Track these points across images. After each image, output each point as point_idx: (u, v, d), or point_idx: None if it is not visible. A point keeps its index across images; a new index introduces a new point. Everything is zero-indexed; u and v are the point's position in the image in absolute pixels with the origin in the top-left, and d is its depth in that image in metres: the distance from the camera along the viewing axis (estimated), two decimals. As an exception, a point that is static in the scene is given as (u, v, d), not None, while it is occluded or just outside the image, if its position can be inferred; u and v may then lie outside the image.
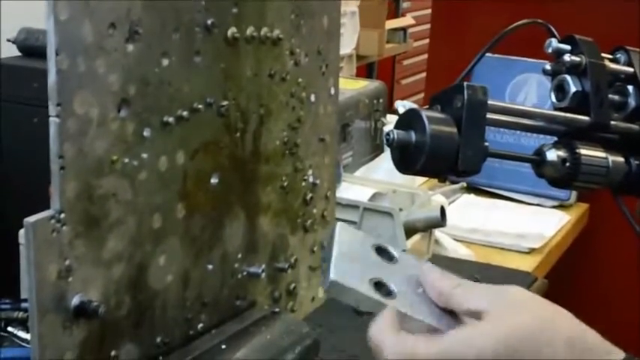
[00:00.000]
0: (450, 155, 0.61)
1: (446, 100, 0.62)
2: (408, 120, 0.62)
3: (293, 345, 0.72)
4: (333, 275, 0.56)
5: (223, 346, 0.68)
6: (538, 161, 0.67)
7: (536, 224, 1.50)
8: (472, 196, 1.64)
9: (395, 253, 0.60)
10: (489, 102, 0.63)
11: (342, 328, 1.03)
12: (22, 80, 0.91)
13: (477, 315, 0.54)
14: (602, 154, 0.68)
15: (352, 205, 1.20)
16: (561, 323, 0.54)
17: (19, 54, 1.00)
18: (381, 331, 0.55)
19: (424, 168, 0.61)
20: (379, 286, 0.57)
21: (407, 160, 0.62)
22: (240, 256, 0.73)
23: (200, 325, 0.69)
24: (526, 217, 1.55)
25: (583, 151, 0.66)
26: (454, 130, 0.61)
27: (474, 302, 0.55)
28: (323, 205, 0.84)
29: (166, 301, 0.64)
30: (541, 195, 1.64)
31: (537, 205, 1.63)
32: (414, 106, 0.61)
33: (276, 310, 0.76)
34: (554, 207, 1.63)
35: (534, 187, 1.65)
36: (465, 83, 0.62)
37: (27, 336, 0.78)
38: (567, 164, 0.66)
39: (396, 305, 0.56)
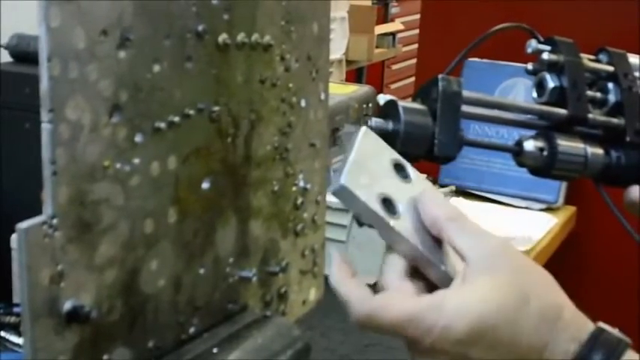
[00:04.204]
0: (423, 142, 0.65)
1: (425, 94, 0.66)
2: (388, 110, 0.65)
3: (284, 348, 0.72)
4: (344, 180, 0.56)
5: (215, 350, 0.68)
6: (517, 151, 0.70)
7: (524, 227, 1.51)
8: (461, 199, 1.66)
9: (411, 172, 0.60)
10: (465, 94, 0.66)
11: (332, 330, 1.04)
12: (13, 86, 0.91)
13: (460, 255, 0.55)
14: (580, 145, 0.70)
15: (342, 209, 1.21)
16: (537, 293, 0.55)
17: (11, 60, 1.00)
18: (344, 283, 0.55)
19: (400, 153, 0.65)
20: (387, 202, 0.57)
21: None
22: (231, 260, 0.73)
23: (192, 329, 0.69)
24: (514, 219, 1.56)
25: (560, 142, 0.69)
26: (428, 118, 0.65)
27: (459, 243, 0.55)
28: (314, 209, 0.85)
29: (158, 306, 0.65)
30: (529, 198, 1.65)
31: (525, 208, 1.64)
32: (394, 98, 0.65)
33: (268, 313, 0.77)
34: (541, 210, 1.64)
35: (522, 191, 1.66)
36: (440, 75, 0.65)
37: (19, 340, 0.78)
38: (545, 153, 0.69)
39: (395, 226, 0.56)
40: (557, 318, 0.54)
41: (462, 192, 1.67)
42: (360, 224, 0.58)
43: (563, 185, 1.66)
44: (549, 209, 1.64)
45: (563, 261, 1.64)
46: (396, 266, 0.56)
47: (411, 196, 0.58)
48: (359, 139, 0.59)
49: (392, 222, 0.56)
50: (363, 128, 0.60)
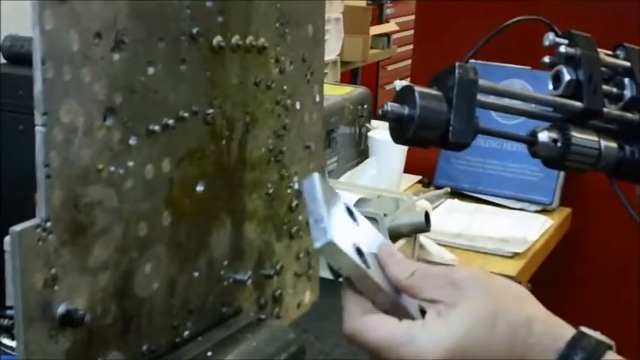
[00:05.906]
0: (438, 127, 0.65)
1: (442, 81, 0.66)
2: (404, 95, 0.66)
3: (279, 351, 0.72)
4: (331, 235, 0.53)
5: (209, 353, 0.68)
6: (531, 141, 0.70)
7: (520, 229, 1.51)
8: (456, 201, 1.65)
9: (356, 214, 0.58)
10: (481, 82, 0.66)
11: (327, 333, 1.04)
12: (7, 88, 0.91)
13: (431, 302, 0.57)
14: (594, 138, 0.71)
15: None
16: (506, 312, 0.56)
17: (4, 61, 1.00)
18: (346, 294, 0.57)
19: (414, 137, 0.66)
20: (359, 252, 0.56)
21: (400, 131, 0.66)
22: (226, 263, 0.73)
23: (186, 333, 0.69)
24: (509, 221, 1.56)
25: (574, 134, 0.69)
26: (443, 104, 0.66)
27: (427, 294, 0.57)
28: (308, 211, 0.84)
29: (152, 309, 0.64)
30: (524, 200, 1.65)
31: (520, 209, 1.64)
32: (410, 84, 0.65)
33: (262, 316, 0.76)
34: (537, 211, 1.64)
35: (517, 192, 1.66)
36: (457, 63, 0.65)
37: (12, 344, 0.77)
38: (559, 144, 0.69)
39: (373, 276, 0.56)
40: (528, 334, 0.56)
41: (458, 193, 1.67)
42: (337, 277, 0.56)
43: (559, 187, 1.66)
44: (545, 211, 1.64)
45: (558, 262, 1.64)
46: (363, 306, 0.57)
47: (366, 240, 0.57)
48: (317, 186, 0.55)
49: (370, 273, 0.55)
50: (316, 175, 0.56)
